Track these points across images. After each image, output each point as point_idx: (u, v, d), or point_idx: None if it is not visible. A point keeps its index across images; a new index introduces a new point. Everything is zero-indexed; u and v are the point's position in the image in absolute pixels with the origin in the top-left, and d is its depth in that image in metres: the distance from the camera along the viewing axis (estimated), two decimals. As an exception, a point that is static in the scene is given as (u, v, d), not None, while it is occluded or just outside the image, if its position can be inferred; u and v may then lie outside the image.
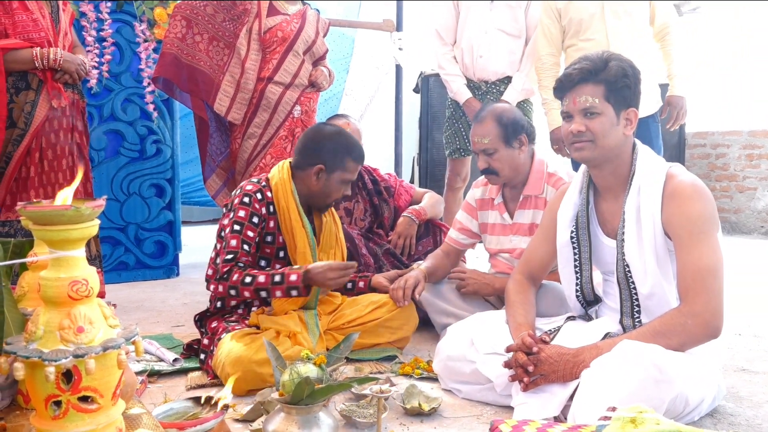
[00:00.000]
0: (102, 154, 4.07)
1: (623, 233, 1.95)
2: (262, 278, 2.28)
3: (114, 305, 2.04)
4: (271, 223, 2.46)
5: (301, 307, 2.46)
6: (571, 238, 2.09)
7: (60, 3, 3.12)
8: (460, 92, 3.73)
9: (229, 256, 2.34)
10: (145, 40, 4.03)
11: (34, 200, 1.31)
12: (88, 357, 1.12)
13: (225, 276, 2.31)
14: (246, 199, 2.41)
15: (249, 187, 2.45)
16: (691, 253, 1.82)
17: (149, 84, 4.01)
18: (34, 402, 1.17)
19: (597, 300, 2.14)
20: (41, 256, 1.29)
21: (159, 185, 4.27)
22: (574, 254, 2.10)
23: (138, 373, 2.20)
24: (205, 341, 2.40)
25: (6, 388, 1.34)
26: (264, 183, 2.49)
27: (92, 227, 1.18)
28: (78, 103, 3.16)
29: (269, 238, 2.48)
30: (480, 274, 2.76)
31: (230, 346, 2.17)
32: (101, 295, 3.26)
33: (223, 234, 2.44)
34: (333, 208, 2.68)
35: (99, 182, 3.99)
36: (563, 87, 2.01)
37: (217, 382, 2.24)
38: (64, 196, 1.16)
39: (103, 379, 1.16)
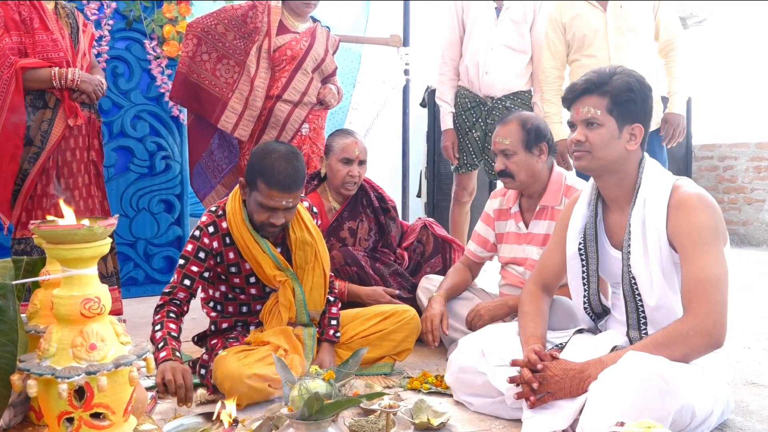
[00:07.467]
0: (111, 171, 4.09)
1: (629, 245, 1.96)
2: (158, 335, 2.22)
3: (124, 321, 2.06)
4: (231, 254, 2.39)
5: (300, 324, 2.45)
6: (579, 249, 2.10)
7: (80, 24, 3.16)
8: (445, 121, 3.88)
9: (167, 290, 2.34)
10: (156, 57, 4.08)
11: (49, 218, 1.32)
12: (100, 374, 1.14)
13: (157, 309, 2.31)
14: (197, 233, 2.36)
15: (204, 219, 2.39)
16: (694, 264, 1.82)
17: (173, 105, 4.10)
18: (47, 418, 1.19)
19: (606, 312, 2.15)
20: (54, 275, 1.31)
21: (168, 201, 4.29)
22: (582, 266, 2.11)
23: (148, 389, 2.21)
24: (205, 357, 2.43)
25: (18, 405, 1.35)
26: (220, 212, 2.40)
27: (104, 246, 1.20)
28: (94, 121, 3.20)
29: (234, 269, 2.42)
30: (489, 301, 2.66)
31: (224, 362, 2.22)
32: (118, 312, 3.28)
33: None
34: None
35: (108, 198, 4.01)
36: (569, 98, 2.05)
37: (219, 397, 2.26)
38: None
39: (115, 396, 1.17)
